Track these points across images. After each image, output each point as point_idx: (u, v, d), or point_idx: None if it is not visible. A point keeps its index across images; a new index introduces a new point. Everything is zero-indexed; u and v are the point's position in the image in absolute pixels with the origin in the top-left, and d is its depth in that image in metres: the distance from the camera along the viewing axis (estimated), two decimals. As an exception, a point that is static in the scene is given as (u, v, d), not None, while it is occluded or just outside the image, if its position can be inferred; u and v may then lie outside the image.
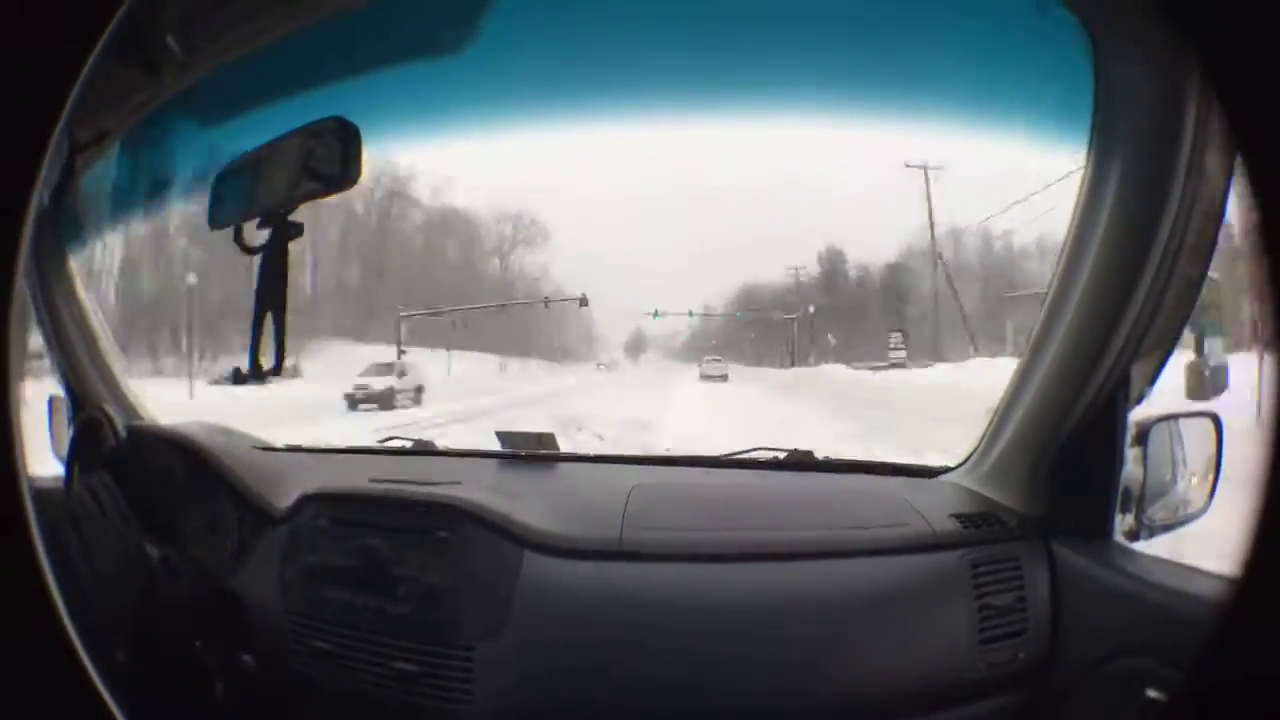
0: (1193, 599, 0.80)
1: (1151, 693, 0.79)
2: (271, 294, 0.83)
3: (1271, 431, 0.44)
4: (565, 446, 1.28)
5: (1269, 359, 0.48)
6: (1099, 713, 0.89)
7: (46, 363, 1.48)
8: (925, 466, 1.22)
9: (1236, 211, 0.89)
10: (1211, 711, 0.45)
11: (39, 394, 1.53)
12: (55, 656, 0.53)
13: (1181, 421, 1.12)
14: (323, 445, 1.48)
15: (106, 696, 0.54)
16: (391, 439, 1.44)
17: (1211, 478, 1.12)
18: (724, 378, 12.25)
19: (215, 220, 1.01)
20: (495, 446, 1.31)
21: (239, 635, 1.13)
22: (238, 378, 0.83)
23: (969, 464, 1.15)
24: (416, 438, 1.43)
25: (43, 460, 1.50)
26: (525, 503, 1.07)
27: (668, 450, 1.39)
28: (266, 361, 0.82)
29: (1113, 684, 0.86)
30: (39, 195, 0.52)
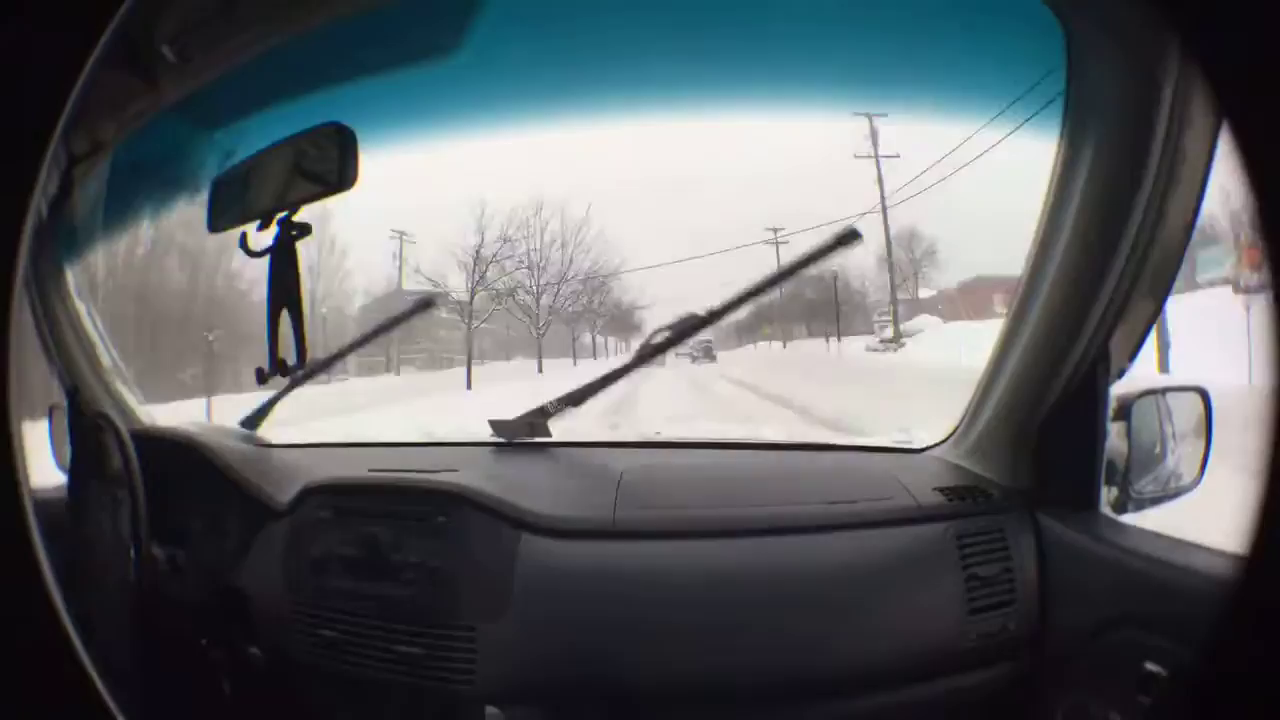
0: (1183, 570, 0.85)
1: (1150, 666, 0.84)
2: (285, 293, 0.92)
3: (1272, 411, 0.45)
4: (556, 433, 1.36)
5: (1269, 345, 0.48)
6: (1094, 684, 0.93)
7: (47, 371, 1.58)
8: (910, 444, 1.30)
9: (1216, 185, 0.96)
10: (1212, 686, 0.47)
11: (40, 402, 1.62)
12: (59, 663, 0.54)
13: (1170, 395, 1.19)
14: (321, 440, 1.57)
15: (109, 700, 0.55)
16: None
17: (1202, 452, 1.19)
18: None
19: (215, 224, 1.10)
20: (489, 435, 1.39)
21: (245, 630, 1.21)
22: (262, 377, 0.91)
23: (953, 439, 1.22)
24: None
25: (45, 469, 1.59)
26: (520, 487, 1.14)
27: (657, 435, 1.47)
28: (289, 359, 0.90)
29: (1107, 655, 0.91)
30: (37, 205, 0.55)
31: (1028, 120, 1.07)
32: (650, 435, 1.42)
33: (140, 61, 1.23)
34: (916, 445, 1.28)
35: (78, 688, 0.54)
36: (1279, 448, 0.45)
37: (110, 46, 0.56)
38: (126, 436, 1.29)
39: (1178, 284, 1.00)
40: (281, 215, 0.96)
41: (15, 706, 0.52)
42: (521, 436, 1.34)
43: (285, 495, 1.24)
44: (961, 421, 1.21)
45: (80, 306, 1.55)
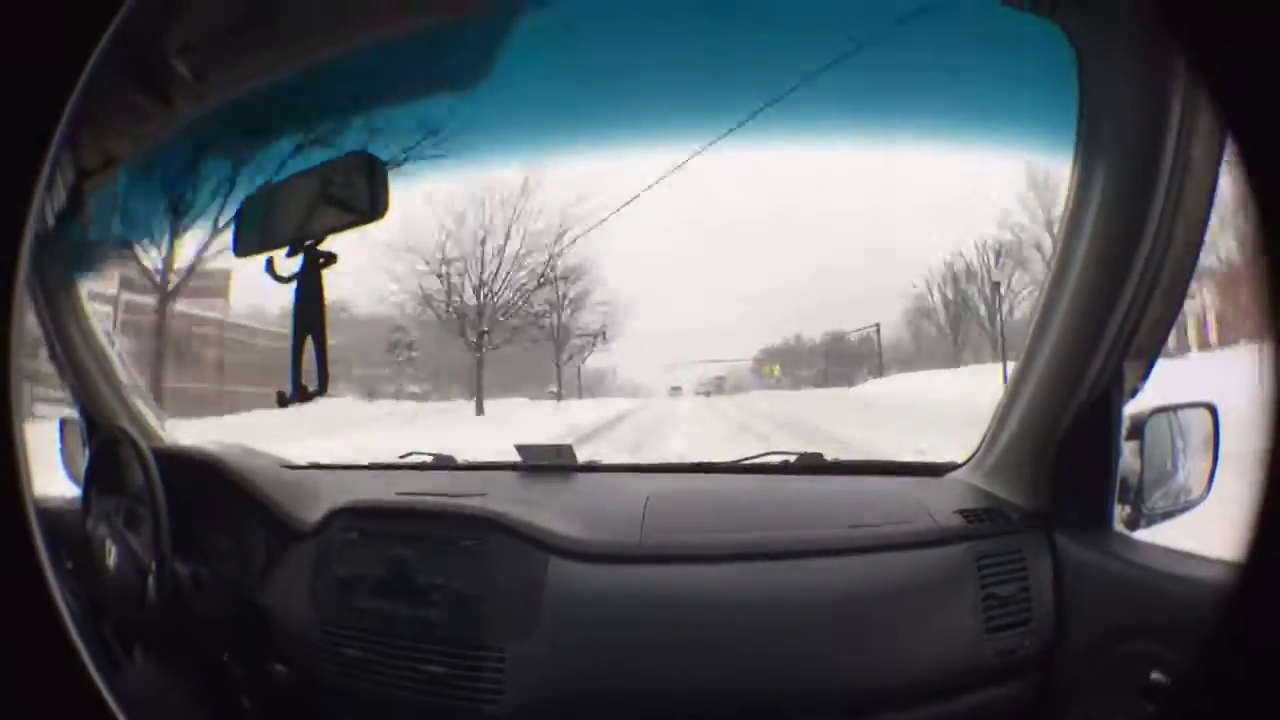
0: (1191, 583, 0.87)
1: (1156, 675, 0.86)
2: (309, 319, 0.93)
3: (1271, 420, 0.46)
4: (581, 457, 1.38)
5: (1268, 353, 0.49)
6: (1105, 696, 0.95)
7: (56, 384, 1.58)
8: (931, 465, 1.32)
9: (1224, 206, 0.98)
10: (1216, 695, 0.47)
11: (48, 414, 1.62)
12: (66, 676, 0.53)
13: (1180, 412, 1.22)
14: (346, 462, 1.58)
15: (118, 714, 0.54)
16: (411, 454, 1.55)
17: (1210, 466, 1.22)
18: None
19: (241, 249, 1.11)
20: (515, 459, 1.41)
21: (268, 647, 1.22)
22: (283, 401, 0.93)
23: (973, 462, 1.24)
24: (437, 453, 1.54)
25: (53, 481, 1.60)
26: (548, 511, 1.16)
27: (682, 458, 1.50)
28: (310, 384, 0.92)
29: (1117, 668, 0.93)
30: (40, 211, 0.54)
31: (1041, 142, 1.09)
32: (675, 458, 1.45)
33: (149, 72, 1.23)
34: (938, 465, 1.31)
35: (86, 701, 0.54)
36: (1278, 455, 0.46)
37: (110, 53, 0.55)
38: (148, 453, 1.30)
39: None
40: (308, 242, 0.97)
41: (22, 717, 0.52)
42: (547, 460, 1.36)
43: (310, 516, 1.26)
44: (981, 444, 1.23)
45: (95, 322, 1.56)
